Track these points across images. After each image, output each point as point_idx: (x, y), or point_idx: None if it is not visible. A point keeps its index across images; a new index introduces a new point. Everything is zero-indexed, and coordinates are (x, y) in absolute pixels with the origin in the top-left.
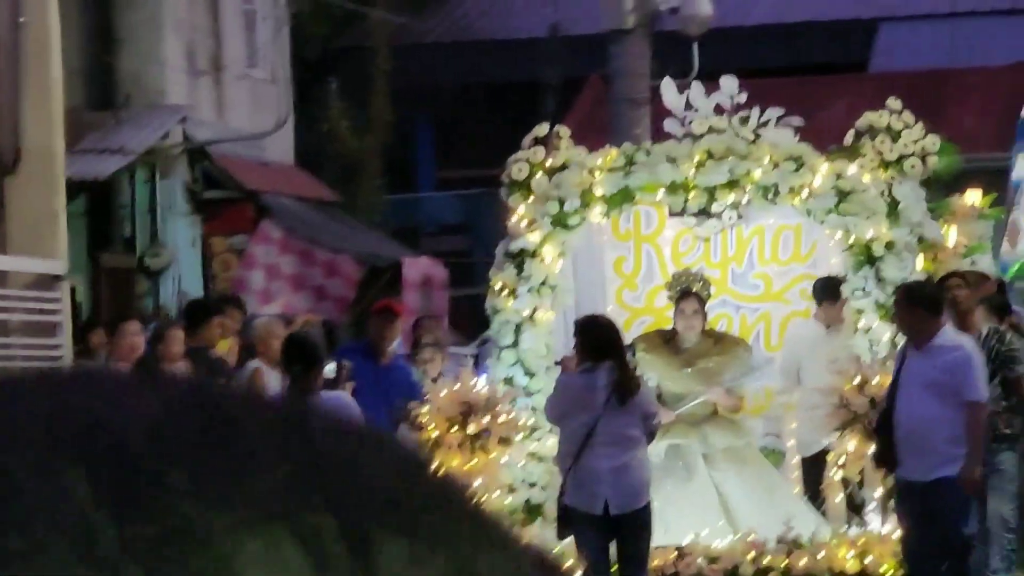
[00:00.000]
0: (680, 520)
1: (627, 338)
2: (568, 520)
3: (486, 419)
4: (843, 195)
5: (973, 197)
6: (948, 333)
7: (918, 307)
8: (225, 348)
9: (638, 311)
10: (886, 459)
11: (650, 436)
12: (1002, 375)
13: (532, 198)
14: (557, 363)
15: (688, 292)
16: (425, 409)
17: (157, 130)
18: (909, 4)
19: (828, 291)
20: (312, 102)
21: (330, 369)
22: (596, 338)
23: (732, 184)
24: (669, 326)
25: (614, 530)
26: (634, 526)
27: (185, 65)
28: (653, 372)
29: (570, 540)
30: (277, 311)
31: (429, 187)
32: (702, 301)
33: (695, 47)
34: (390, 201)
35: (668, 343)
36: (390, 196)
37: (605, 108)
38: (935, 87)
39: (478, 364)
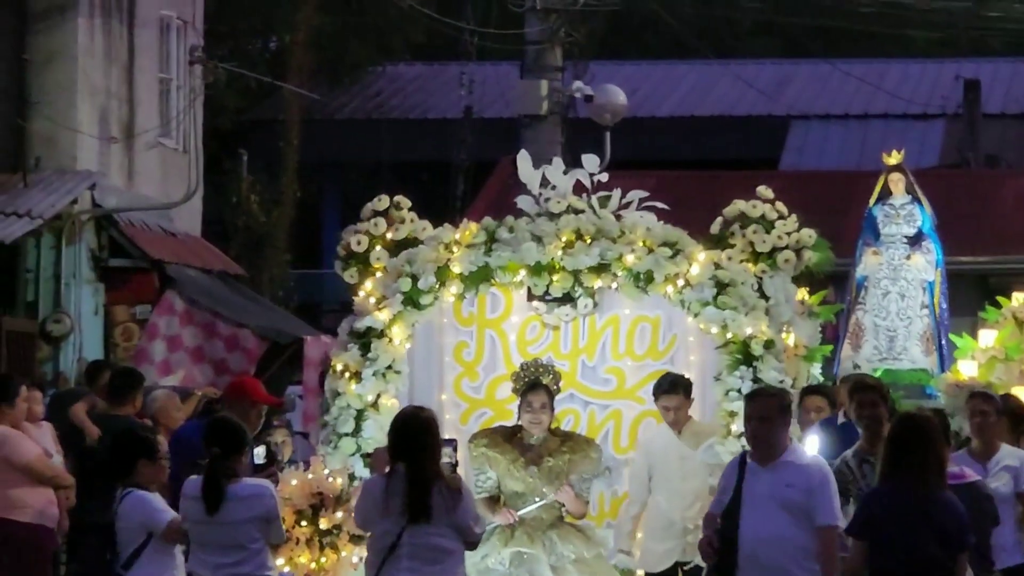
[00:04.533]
0: None
1: (467, 432)
2: None
3: (339, 514)
4: (721, 286)
5: (802, 294)
6: (798, 449)
7: (784, 417)
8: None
9: (477, 402)
10: None
11: (470, 547)
12: None
13: (380, 273)
14: (366, 455)
15: (536, 384)
16: None
17: (66, 195)
18: (821, 103)
19: (673, 385)
20: (222, 173)
21: (259, 453)
22: (397, 435)
23: (601, 268)
24: (510, 420)
25: None
26: None
27: (97, 131)
28: (494, 470)
29: None
30: (175, 383)
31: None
32: (551, 395)
33: (607, 136)
34: (295, 276)
35: (511, 439)
36: (295, 271)
37: (515, 192)
38: (844, 187)
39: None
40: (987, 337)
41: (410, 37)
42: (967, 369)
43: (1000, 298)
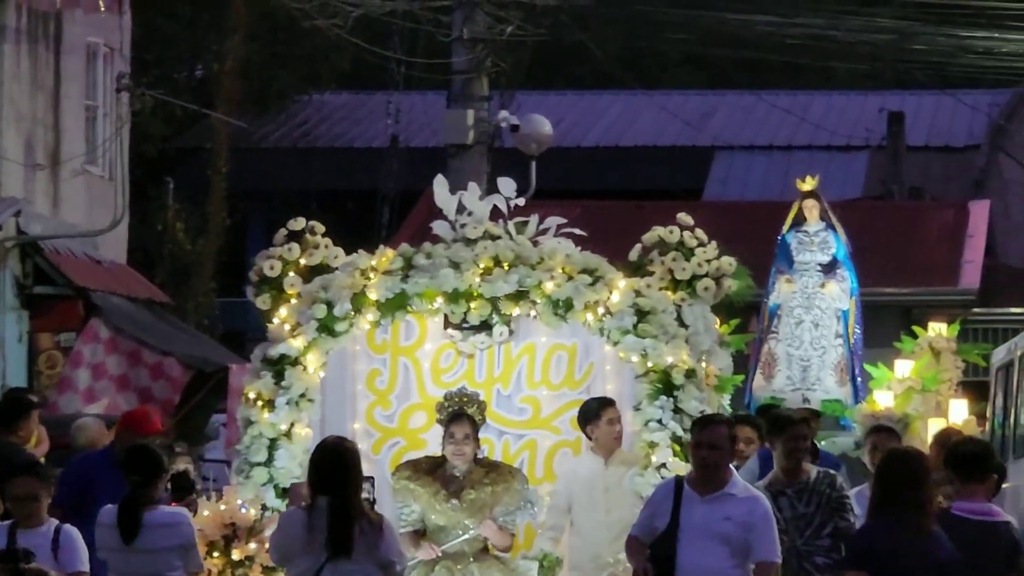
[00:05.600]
0: None
1: (379, 462)
2: None
3: (252, 545)
4: (642, 315)
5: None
6: (738, 482)
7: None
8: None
9: (390, 431)
10: None
11: None
12: (833, 525)
13: (294, 299)
14: (284, 490)
15: (460, 415)
16: None
17: None
18: (746, 134)
19: (607, 400)
20: (148, 201)
21: None
22: (319, 467)
23: (520, 295)
24: (425, 449)
25: None
26: None
27: (23, 158)
28: (417, 503)
29: None
30: (99, 411)
31: None
32: (475, 426)
33: (533, 165)
34: (220, 304)
35: (435, 471)
36: (221, 299)
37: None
38: (768, 218)
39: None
40: (903, 367)
41: (337, 66)
42: (883, 400)
43: (916, 328)
